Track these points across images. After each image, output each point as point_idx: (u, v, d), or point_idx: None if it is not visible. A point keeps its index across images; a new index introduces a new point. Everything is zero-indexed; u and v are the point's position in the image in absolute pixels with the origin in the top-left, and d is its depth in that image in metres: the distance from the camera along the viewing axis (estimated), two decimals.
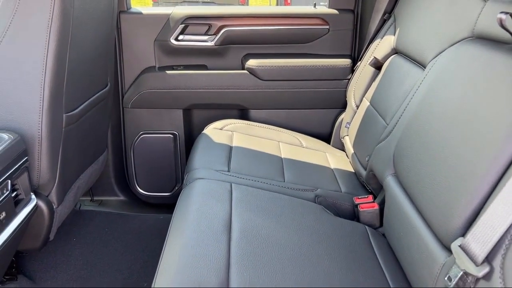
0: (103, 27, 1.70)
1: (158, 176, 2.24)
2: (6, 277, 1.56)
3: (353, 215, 1.49)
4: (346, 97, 2.06)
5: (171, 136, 2.19)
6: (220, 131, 1.91)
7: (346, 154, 1.93)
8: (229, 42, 2.10)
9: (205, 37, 2.10)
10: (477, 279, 0.84)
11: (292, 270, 1.05)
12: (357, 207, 1.46)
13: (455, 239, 0.91)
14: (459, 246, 0.88)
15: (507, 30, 0.99)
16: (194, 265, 0.99)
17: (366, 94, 1.86)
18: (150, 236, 2.04)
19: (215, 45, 2.10)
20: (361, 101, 1.89)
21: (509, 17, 0.99)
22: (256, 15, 2.11)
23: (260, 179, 1.52)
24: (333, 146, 2.07)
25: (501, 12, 1.00)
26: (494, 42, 1.09)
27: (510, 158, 0.87)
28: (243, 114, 2.17)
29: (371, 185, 1.55)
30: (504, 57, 0.99)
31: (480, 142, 0.93)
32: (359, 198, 1.49)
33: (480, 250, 0.83)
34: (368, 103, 1.79)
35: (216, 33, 2.09)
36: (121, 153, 2.23)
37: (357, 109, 1.90)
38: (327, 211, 1.41)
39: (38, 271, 1.70)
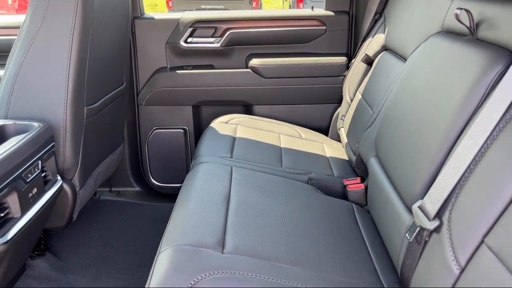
0: (118, 31, 1.90)
1: (170, 168, 2.43)
2: (35, 252, 1.75)
3: (343, 196, 1.64)
4: (342, 92, 2.22)
5: (182, 131, 2.37)
6: (225, 124, 2.09)
7: (342, 145, 2.08)
8: (233, 43, 2.29)
9: (212, 39, 2.28)
10: (430, 232, 0.99)
11: (281, 236, 1.21)
12: (346, 187, 1.61)
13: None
14: (418, 207, 1.04)
15: (462, 23, 1.14)
16: (195, 229, 1.16)
17: (359, 88, 2.01)
18: (163, 222, 2.22)
19: (221, 47, 2.28)
20: (354, 95, 2.05)
21: (464, 12, 1.14)
22: (258, 18, 2.29)
23: (259, 164, 1.69)
24: (330, 138, 2.23)
25: (457, 8, 1.15)
26: (456, 35, 1.24)
27: (459, 133, 1.02)
28: (247, 109, 2.34)
29: (360, 169, 1.70)
30: (460, 47, 1.14)
31: (438, 121, 1.09)
32: (348, 180, 1.65)
33: (433, 208, 0.99)
34: (360, 96, 1.94)
35: (221, 35, 2.27)
36: (136, 147, 2.42)
37: (351, 102, 2.05)
38: (318, 191, 1.57)
39: (63, 250, 1.90)
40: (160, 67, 2.31)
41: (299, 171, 1.69)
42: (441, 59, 1.20)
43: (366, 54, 2.00)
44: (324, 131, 2.28)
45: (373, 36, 2.03)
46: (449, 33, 1.29)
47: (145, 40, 2.27)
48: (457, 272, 0.89)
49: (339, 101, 2.24)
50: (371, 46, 2.01)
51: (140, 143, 2.41)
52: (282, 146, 1.93)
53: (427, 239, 1.00)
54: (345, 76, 2.22)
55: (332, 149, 2.02)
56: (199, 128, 2.39)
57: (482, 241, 0.86)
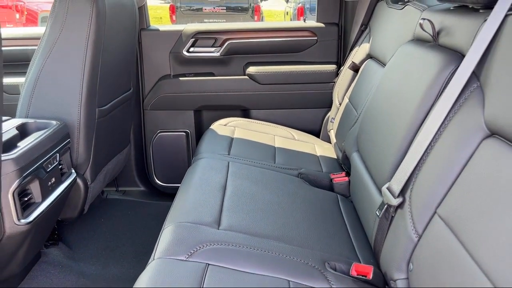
0: (127, 41, 2.09)
1: (173, 169, 2.59)
2: (50, 242, 1.92)
3: (330, 188, 1.80)
4: (332, 97, 2.39)
5: (184, 133, 2.55)
6: (224, 127, 2.26)
7: (332, 146, 2.25)
8: (232, 52, 2.48)
9: (212, 49, 2.48)
10: (396, 208, 1.16)
11: (270, 217, 1.38)
12: (332, 181, 1.78)
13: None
14: (386, 188, 1.20)
15: (425, 31, 1.32)
16: (195, 210, 1.33)
17: (346, 93, 2.19)
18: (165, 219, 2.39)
19: (220, 56, 2.47)
20: (343, 99, 2.22)
21: (427, 22, 1.32)
22: (254, 29, 2.48)
23: (254, 160, 1.86)
24: (321, 139, 2.40)
25: (422, 19, 1.33)
26: (423, 41, 1.42)
27: (420, 124, 1.19)
28: (244, 113, 2.52)
29: (345, 164, 1.87)
30: (423, 52, 1.32)
31: (403, 115, 1.26)
32: (334, 174, 1.81)
33: (397, 188, 1.16)
34: (348, 100, 2.12)
35: (221, 45, 2.47)
36: (141, 149, 2.60)
37: (340, 106, 2.23)
38: (306, 183, 1.73)
39: (74, 241, 2.06)
40: (164, 75, 2.50)
41: (290, 167, 1.86)
42: (409, 63, 1.38)
43: (353, 62, 2.18)
44: (316, 133, 2.45)
45: (360, 45, 2.22)
46: (418, 40, 1.47)
47: (151, 49, 2.46)
48: (415, 239, 1.05)
49: (329, 105, 2.42)
50: (357, 54, 2.19)
51: (145, 145, 2.58)
52: (276, 145, 2.10)
53: (393, 215, 1.17)
54: (334, 82, 2.40)
55: (322, 149, 2.19)
56: (200, 131, 2.57)
57: (435, 212, 1.02)
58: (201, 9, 11.42)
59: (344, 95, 2.21)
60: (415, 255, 1.05)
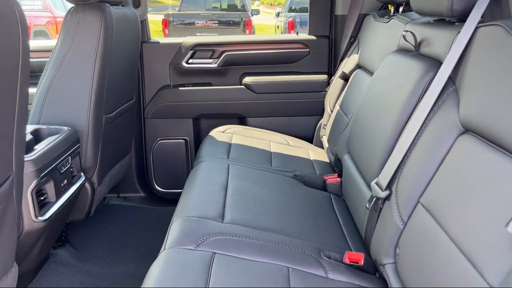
0: (130, 53, 2.21)
1: (172, 176, 2.70)
2: (58, 243, 2.01)
3: (323, 189, 1.92)
4: (324, 105, 2.53)
5: (183, 141, 2.67)
6: (222, 133, 2.38)
7: (325, 151, 2.38)
8: (229, 63, 2.61)
9: (210, 60, 2.61)
10: (383, 201, 1.28)
11: (269, 213, 1.50)
12: (325, 182, 1.90)
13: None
14: (375, 183, 1.33)
15: (408, 42, 1.47)
16: (200, 205, 1.44)
17: (337, 101, 2.33)
18: (165, 223, 2.47)
19: (218, 67, 2.61)
20: (334, 106, 2.36)
21: (409, 33, 1.47)
22: (250, 42, 2.63)
23: (252, 163, 1.98)
24: (315, 145, 2.53)
25: (404, 30, 1.48)
26: (406, 51, 1.56)
27: (403, 125, 1.32)
28: (241, 121, 2.65)
29: (338, 167, 2.00)
30: (406, 61, 1.46)
31: (389, 118, 1.39)
32: (327, 176, 1.94)
33: (384, 182, 1.28)
34: (339, 108, 2.25)
35: (218, 57, 2.60)
36: (142, 156, 2.70)
37: (331, 113, 2.36)
38: (301, 183, 1.85)
39: (80, 243, 2.15)
40: (165, 85, 2.62)
41: (286, 169, 1.98)
42: (394, 71, 1.52)
43: (343, 71, 2.33)
44: (309, 139, 2.58)
45: (349, 56, 2.36)
46: (402, 50, 1.61)
47: (152, 61, 2.58)
48: (401, 227, 1.18)
49: (321, 113, 2.55)
50: (347, 64, 2.34)
51: (146, 153, 2.69)
52: (272, 150, 2.22)
53: (381, 206, 1.29)
54: (326, 91, 2.54)
55: (315, 154, 2.32)
56: (199, 138, 2.68)
57: (418, 201, 1.15)
58: (193, 23, 11.61)
59: (335, 102, 2.35)
60: (401, 240, 1.17)
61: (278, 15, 14.24)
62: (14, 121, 1.15)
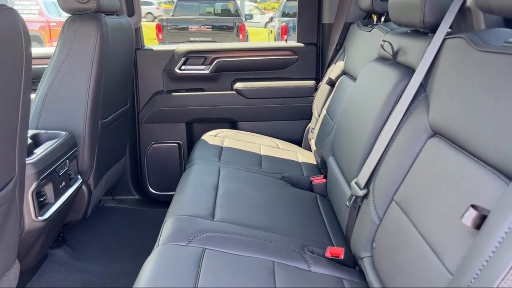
0: (125, 60, 2.30)
1: (166, 178, 2.78)
2: (55, 244, 2.08)
3: (310, 190, 2.01)
4: (312, 110, 2.63)
5: (176, 145, 2.76)
6: (214, 137, 2.47)
7: (313, 153, 2.48)
8: (220, 70, 2.71)
9: (202, 67, 2.70)
10: (362, 199, 1.38)
11: (257, 212, 1.59)
12: (311, 182, 2.00)
13: None
14: (355, 182, 1.43)
15: (386, 51, 1.57)
16: (192, 205, 1.53)
17: (324, 106, 2.43)
18: (159, 224, 2.56)
19: (210, 73, 2.70)
20: (321, 111, 2.46)
21: (387, 43, 1.57)
22: (241, 49, 2.72)
23: (242, 166, 2.07)
24: (303, 148, 2.63)
25: (383, 40, 1.58)
26: (385, 59, 1.66)
27: (380, 128, 1.42)
28: (233, 125, 2.74)
29: (323, 168, 2.09)
30: (384, 69, 1.56)
31: (367, 122, 1.49)
32: (314, 177, 2.03)
33: (363, 181, 1.38)
34: (325, 112, 2.35)
35: (210, 64, 2.70)
36: (136, 160, 2.78)
37: (319, 117, 2.46)
38: (289, 185, 1.95)
39: (76, 244, 2.22)
40: (158, 90, 2.71)
41: (274, 171, 2.07)
42: (373, 78, 1.62)
43: (329, 77, 2.43)
44: (298, 142, 2.68)
45: (335, 63, 2.47)
46: (381, 58, 1.71)
47: (145, 67, 2.67)
48: (377, 222, 1.27)
49: (309, 117, 2.65)
50: (333, 71, 2.44)
51: (140, 156, 2.77)
52: (261, 153, 2.32)
53: (360, 204, 1.39)
54: (314, 96, 2.65)
55: (303, 156, 2.42)
56: (192, 142, 2.77)
57: (392, 199, 1.25)
58: (187, 28, 11.69)
59: (322, 107, 2.45)
60: (377, 235, 1.27)
61: (271, 19, 14.38)
62: (17, 125, 1.24)
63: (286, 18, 12.36)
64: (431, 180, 1.10)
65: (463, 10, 1.29)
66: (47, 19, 9.86)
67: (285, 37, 11.24)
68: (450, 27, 1.33)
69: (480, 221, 0.84)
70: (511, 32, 1.10)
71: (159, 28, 11.75)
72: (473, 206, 0.86)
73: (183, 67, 2.70)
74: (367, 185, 1.37)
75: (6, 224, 1.29)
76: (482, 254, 0.79)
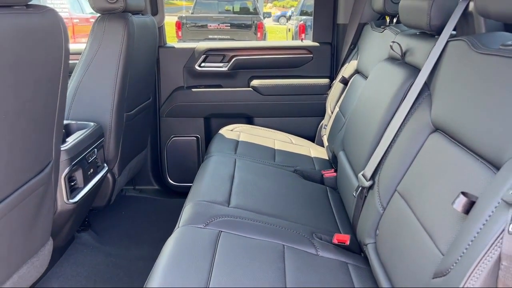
0: (149, 56, 2.43)
1: (184, 170, 2.91)
2: (81, 227, 2.23)
3: (321, 183, 2.11)
4: (325, 107, 2.73)
5: (195, 138, 2.88)
6: (231, 132, 2.59)
7: (325, 149, 2.57)
8: (238, 67, 2.82)
9: (221, 64, 2.82)
10: (368, 190, 1.48)
11: (270, 200, 1.70)
12: (323, 176, 2.10)
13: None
14: (362, 174, 1.53)
15: (395, 51, 1.66)
16: (209, 192, 1.65)
17: (337, 103, 2.52)
18: (176, 213, 2.69)
19: (228, 70, 2.82)
20: (334, 108, 2.55)
21: (396, 44, 1.66)
22: (258, 47, 2.83)
23: (257, 159, 2.18)
24: (316, 144, 2.72)
25: (392, 41, 1.67)
26: (394, 59, 1.75)
27: (387, 123, 1.51)
28: (249, 120, 2.85)
29: (334, 163, 2.19)
30: (392, 68, 1.65)
31: (376, 117, 1.59)
32: (325, 171, 2.13)
33: (369, 173, 1.48)
34: (338, 109, 2.45)
35: (228, 61, 2.81)
36: (157, 152, 2.92)
37: (332, 114, 2.56)
38: (301, 177, 2.05)
39: (100, 229, 2.37)
40: (179, 86, 2.84)
41: (287, 165, 2.18)
42: (382, 77, 1.71)
43: (343, 76, 2.52)
44: (311, 138, 2.78)
45: (349, 62, 2.56)
46: (391, 59, 1.80)
47: (167, 64, 2.80)
48: (381, 211, 1.37)
49: (323, 114, 2.75)
50: (347, 70, 2.53)
51: (160, 149, 2.91)
52: (275, 148, 2.43)
53: (366, 195, 1.49)
54: (327, 94, 2.74)
55: (316, 152, 2.52)
56: (209, 136, 2.89)
57: (395, 190, 1.34)
58: (206, 25, 11.82)
59: (336, 105, 2.54)
60: (380, 223, 1.36)
61: (289, 18, 14.43)
62: (55, 115, 1.38)
63: (304, 17, 12.40)
64: (430, 172, 1.19)
65: (466, 15, 1.37)
66: (70, 16, 10.11)
67: (303, 35, 11.29)
68: (455, 30, 1.42)
69: (469, 207, 0.94)
70: (509, 36, 1.18)
71: (179, 26, 11.91)
72: (463, 193, 0.95)
73: (202, 64, 2.82)
74: (373, 176, 1.47)
75: (43, 204, 1.43)
76: (468, 235, 0.88)
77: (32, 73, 1.18)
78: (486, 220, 0.86)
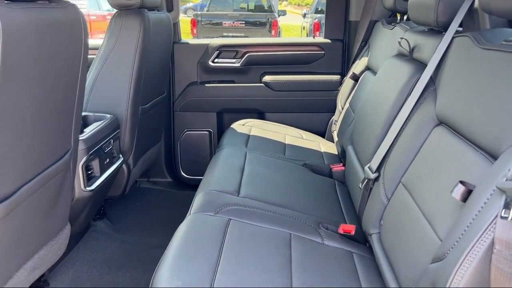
0: (163, 52, 2.50)
1: (197, 163, 2.98)
2: (97, 216, 2.32)
3: (329, 177, 2.16)
4: (336, 103, 2.76)
5: (207, 132, 2.95)
6: (242, 126, 2.65)
7: (335, 145, 2.61)
8: (250, 63, 2.88)
9: (233, 60, 2.88)
10: (373, 182, 1.52)
11: (278, 191, 1.75)
12: (331, 170, 2.14)
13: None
14: (368, 167, 1.57)
15: (402, 47, 1.69)
16: (220, 182, 1.71)
17: (348, 99, 2.56)
18: (188, 205, 2.77)
19: (240, 66, 2.87)
20: (345, 104, 2.59)
21: (404, 40, 1.70)
22: (270, 44, 2.88)
23: (267, 152, 2.23)
24: (326, 139, 2.76)
25: (400, 38, 1.71)
26: (402, 55, 1.79)
27: (394, 118, 1.55)
28: (260, 116, 2.91)
29: (343, 158, 2.23)
30: (400, 64, 1.69)
31: (383, 112, 1.63)
32: (333, 165, 2.18)
33: (375, 166, 1.52)
34: (348, 105, 2.48)
35: (241, 57, 2.87)
36: (170, 145, 3.00)
37: (342, 110, 2.60)
38: (310, 171, 2.10)
39: (115, 218, 2.45)
40: (192, 81, 2.91)
41: (297, 159, 2.23)
42: (390, 72, 1.75)
43: (353, 72, 2.56)
44: (322, 134, 2.82)
45: (360, 59, 2.59)
46: (400, 55, 1.84)
47: (181, 59, 2.87)
48: (386, 202, 1.41)
49: (333, 110, 2.78)
50: (358, 66, 2.57)
51: (174, 142, 2.98)
52: (286, 142, 2.47)
53: (371, 187, 1.53)
54: (338, 90, 2.78)
55: (326, 147, 2.56)
56: (221, 130, 2.95)
57: (399, 181, 1.38)
58: (221, 23, 11.92)
59: (346, 101, 2.58)
60: (385, 214, 1.41)
61: (304, 16, 14.42)
62: (75, 106, 1.45)
63: (319, 15, 12.38)
64: (432, 163, 1.23)
65: (471, 11, 1.40)
66: (88, 13, 10.29)
67: (318, 33, 11.29)
68: (461, 26, 1.45)
69: (467, 195, 0.98)
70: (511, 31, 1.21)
71: (194, 23, 12.03)
72: (461, 182, 0.99)
73: (216, 60, 2.88)
74: (378, 169, 1.51)
75: (62, 190, 1.50)
76: (465, 221, 0.93)
77: (54, 65, 1.25)
78: (482, 207, 0.89)
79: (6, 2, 1.04)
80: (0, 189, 1.12)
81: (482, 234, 0.85)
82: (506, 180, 0.83)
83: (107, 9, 10.51)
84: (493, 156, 1.00)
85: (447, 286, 0.88)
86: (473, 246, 0.86)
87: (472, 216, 0.91)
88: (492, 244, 0.83)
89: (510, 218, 0.79)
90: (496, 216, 0.83)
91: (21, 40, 1.06)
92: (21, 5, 1.10)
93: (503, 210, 0.81)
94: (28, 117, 1.16)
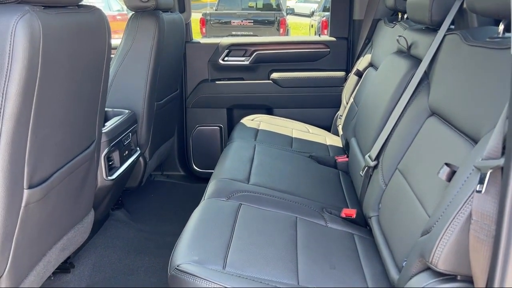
0: (177, 51, 2.64)
1: (208, 157, 3.12)
2: (115, 206, 2.47)
3: (334, 168, 2.28)
4: (341, 98, 2.89)
5: (218, 128, 3.09)
6: (252, 121, 2.78)
7: (340, 138, 2.73)
8: (259, 61, 3.01)
9: (243, 58, 3.01)
10: (373, 169, 1.64)
11: (285, 179, 1.88)
12: (336, 161, 2.26)
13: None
14: (368, 155, 1.69)
15: (401, 45, 1.81)
16: (231, 171, 1.85)
17: (352, 95, 2.68)
18: (200, 197, 2.91)
19: (249, 64, 3.01)
20: (349, 99, 2.71)
21: (402, 38, 1.82)
22: (278, 42, 3.01)
23: (275, 145, 2.36)
24: (332, 133, 2.89)
25: (398, 36, 1.83)
26: (401, 52, 1.90)
27: (392, 109, 1.67)
28: (268, 111, 3.04)
29: (347, 150, 2.35)
30: (398, 60, 1.81)
31: (382, 105, 1.75)
32: (338, 156, 2.30)
33: (374, 154, 1.64)
34: (353, 100, 2.60)
35: (250, 55, 3.00)
36: (183, 140, 3.14)
37: (347, 105, 2.72)
38: (315, 162, 2.23)
39: (132, 208, 2.60)
40: (204, 79, 3.05)
41: (303, 151, 2.35)
42: (389, 68, 1.87)
43: (357, 69, 2.67)
44: (327, 128, 2.94)
45: (364, 56, 2.71)
46: (399, 52, 1.95)
47: (193, 58, 3.01)
48: (384, 187, 1.53)
49: (338, 105, 2.90)
50: (361, 63, 2.68)
51: (186, 137, 3.13)
52: (293, 136, 2.60)
53: (371, 174, 1.66)
54: (343, 86, 2.90)
55: (331, 140, 2.68)
56: (231, 125, 3.08)
57: (396, 168, 1.51)
58: (230, 22, 12.04)
59: (350, 96, 2.70)
60: (383, 197, 1.53)
61: (312, 14, 14.49)
62: (99, 99, 1.60)
63: (327, 13, 12.44)
64: (425, 150, 1.36)
65: (462, 11, 1.52)
66: None
67: (326, 31, 11.36)
68: (453, 24, 1.57)
69: (451, 175, 1.10)
70: (496, 30, 1.33)
71: (203, 22, 12.16)
72: (446, 164, 1.11)
73: (226, 58, 3.02)
74: (377, 157, 1.63)
75: (87, 177, 1.65)
76: (448, 198, 1.05)
77: (82, 62, 1.40)
78: (462, 185, 1.02)
79: (43, 7, 1.19)
80: (38, 174, 1.26)
81: (461, 208, 0.97)
82: (482, 159, 0.96)
83: (117, 10, 10.71)
84: (474, 141, 1.12)
85: (432, 254, 1.00)
86: (453, 218, 0.98)
87: (454, 193, 1.03)
88: (470, 215, 0.96)
89: (483, 191, 0.91)
90: (473, 191, 0.96)
91: (56, 39, 1.20)
92: (56, 10, 1.24)
93: (478, 185, 0.93)
94: (63, 110, 1.31)
